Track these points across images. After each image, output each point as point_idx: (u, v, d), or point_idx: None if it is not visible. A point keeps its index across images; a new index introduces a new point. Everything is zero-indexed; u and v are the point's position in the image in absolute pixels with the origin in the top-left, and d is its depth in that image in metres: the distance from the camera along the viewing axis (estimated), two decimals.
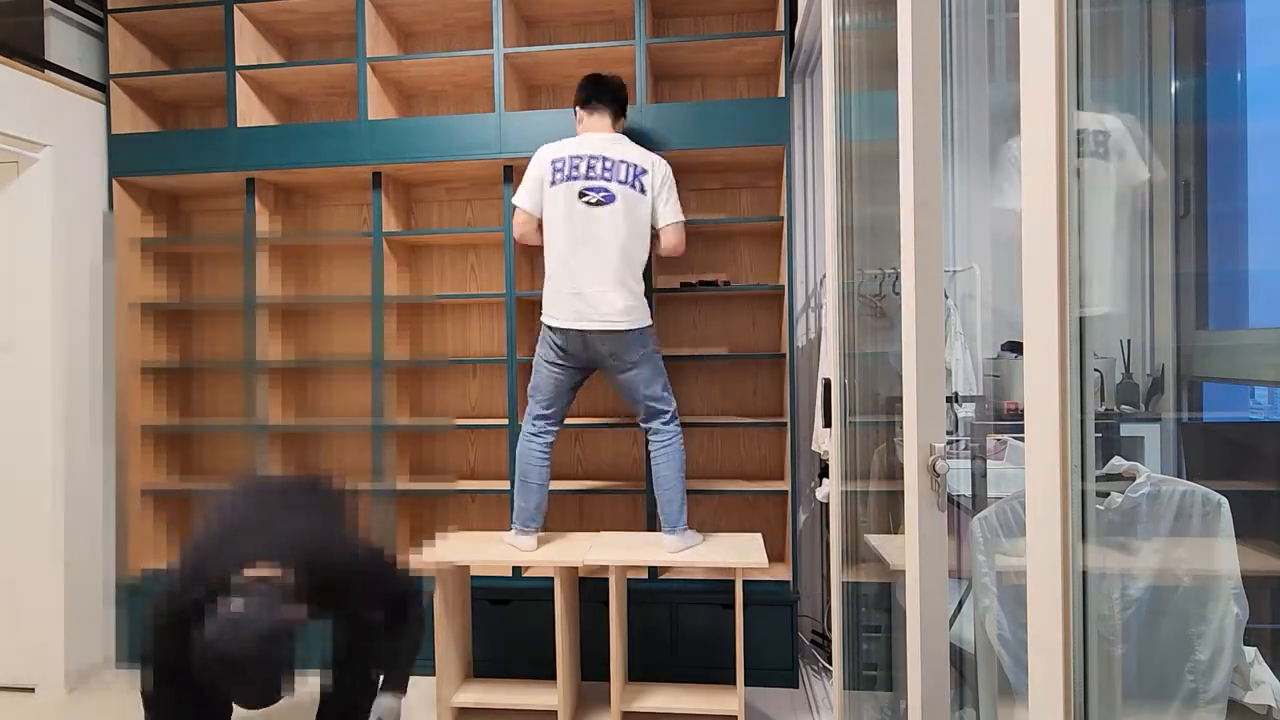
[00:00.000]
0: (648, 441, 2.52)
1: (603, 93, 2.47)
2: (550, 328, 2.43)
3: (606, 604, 2.78)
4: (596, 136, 2.44)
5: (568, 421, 2.93)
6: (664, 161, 2.49)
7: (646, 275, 2.56)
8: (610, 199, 2.36)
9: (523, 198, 2.44)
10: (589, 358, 2.45)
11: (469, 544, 2.58)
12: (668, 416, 2.49)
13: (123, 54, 3.07)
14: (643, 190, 2.40)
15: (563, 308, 2.39)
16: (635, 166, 2.40)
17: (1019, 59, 0.79)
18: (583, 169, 2.37)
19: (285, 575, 1.65)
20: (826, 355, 2.53)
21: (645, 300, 2.46)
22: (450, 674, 2.47)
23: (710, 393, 3.13)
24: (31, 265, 2.77)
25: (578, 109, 2.51)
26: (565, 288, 2.38)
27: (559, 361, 2.46)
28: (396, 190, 3.10)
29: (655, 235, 2.49)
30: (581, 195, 2.36)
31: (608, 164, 2.38)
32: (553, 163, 2.40)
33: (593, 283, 2.36)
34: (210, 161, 2.97)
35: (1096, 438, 0.81)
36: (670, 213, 2.45)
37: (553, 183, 2.38)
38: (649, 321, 2.46)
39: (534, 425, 2.52)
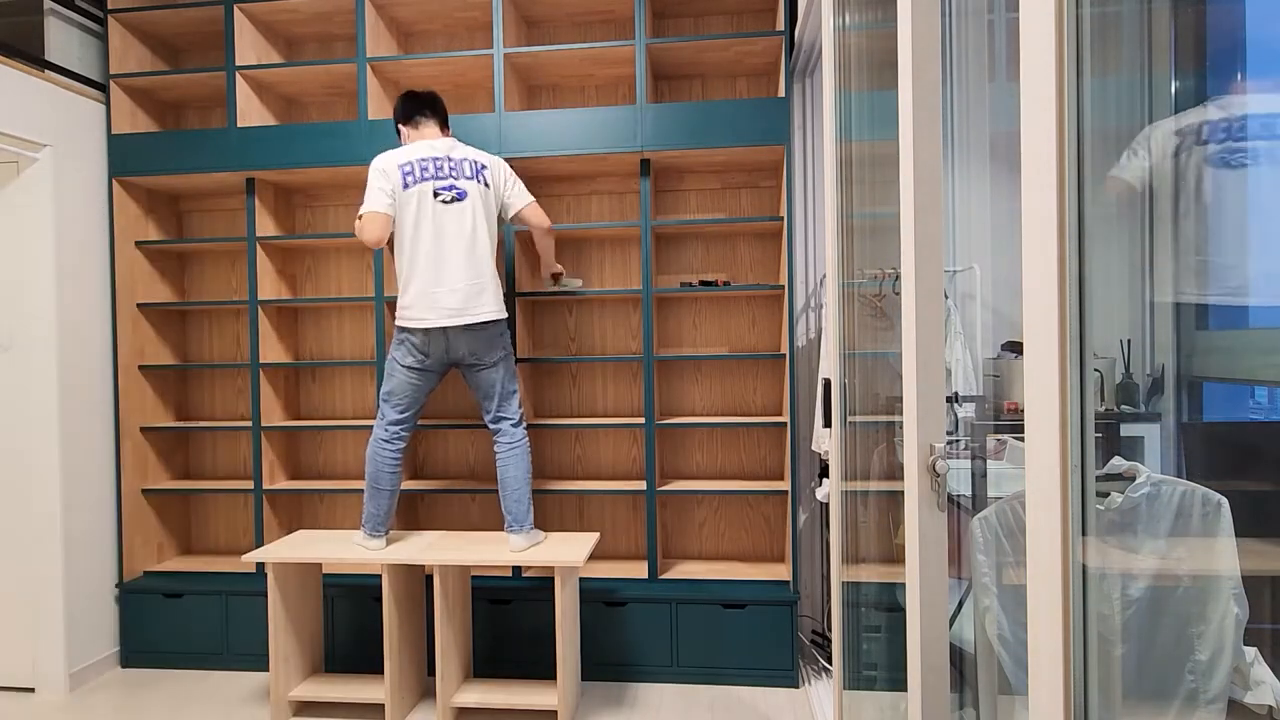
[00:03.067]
0: (495, 443, 2.55)
1: (424, 106, 2.53)
2: (410, 330, 2.42)
3: (601, 604, 2.79)
4: (434, 142, 2.48)
5: (568, 421, 2.94)
6: (500, 158, 2.60)
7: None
8: (463, 195, 2.43)
9: (378, 202, 2.39)
10: (450, 359, 2.48)
11: (319, 542, 2.61)
12: (517, 419, 2.56)
13: (123, 54, 3.07)
14: (487, 185, 2.49)
15: (426, 307, 2.40)
16: (476, 163, 2.49)
17: (1019, 59, 0.79)
18: (432, 170, 2.42)
19: None
20: (826, 355, 2.53)
21: (502, 294, 2.53)
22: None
23: (710, 393, 3.13)
24: (31, 265, 2.77)
25: (401, 126, 2.55)
26: (429, 287, 2.39)
27: (418, 365, 2.46)
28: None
29: (506, 233, 2.60)
30: (436, 195, 2.41)
31: (453, 163, 2.45)
32: (400, 167, 2.41)
33: (458, 280, 2.40)
34: (210, 161, 2.97)
35: (1096, 438, 0.81)
36: (522, 196, 2.58)
37: (405, 186, 2.40)
38: (506, 315, 2.54)
39: (388, 431, 2.50)
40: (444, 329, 2.41)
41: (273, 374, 3.09)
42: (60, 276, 2.80)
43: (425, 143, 2.47)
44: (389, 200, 2.40)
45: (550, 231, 2.67)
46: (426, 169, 2.42)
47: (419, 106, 2.54)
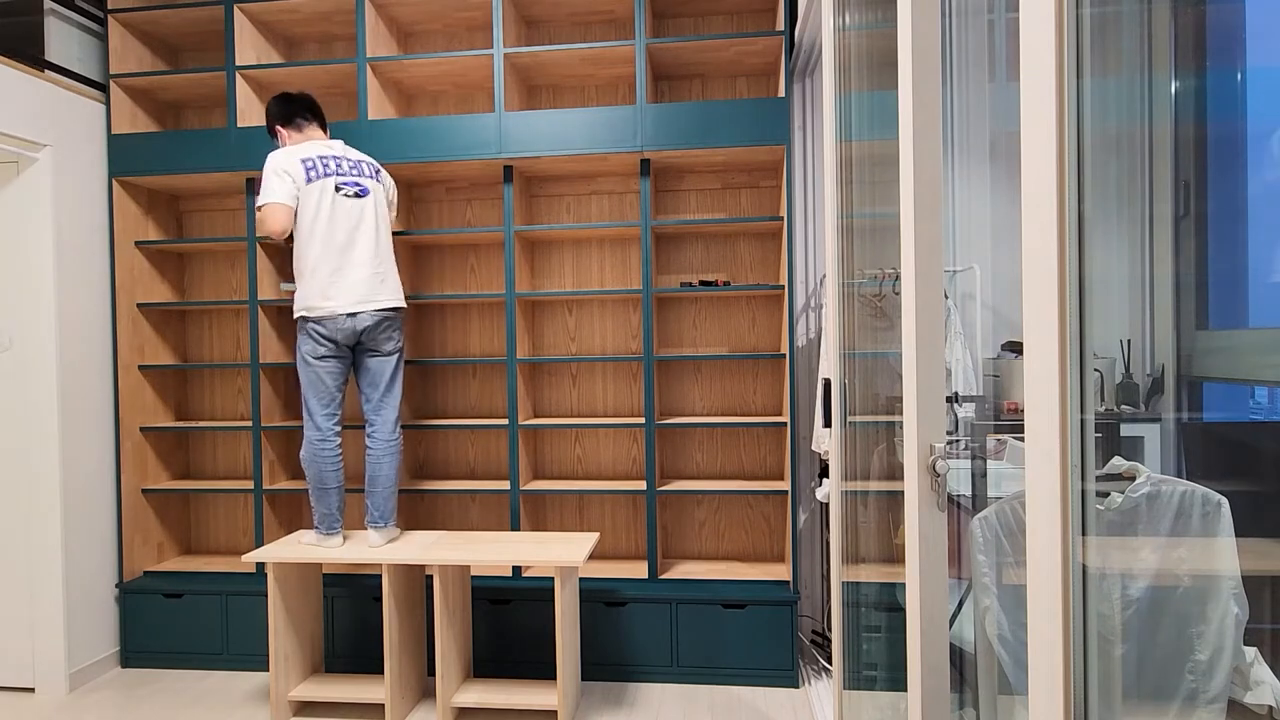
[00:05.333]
0: (369, 438, 2.57)
1: (304, 109, 2.61)
2: (317, 319, 2.46)
3: (607, 604, 2.79)
4: (327, 142, 2.57)
5: (568, 421, 2.94)
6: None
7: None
8: (365, 192, 2.53)
9: (280, 193, 2.43)
10: (352, 342, 2.52)
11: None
12: (396, 416, 2.60)
13: (123, 54, 3.07)
14: (381, 182, 2.62)
15: (334, 293, 2.45)
16: (372, 165, 2.62)
17: (1019, 59, 0.79)
18: (333, 167, 2.50)
19: None
20: (826, 355, 2.53)
21: (400, 288, 2.61)
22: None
23: (710, 393, 3.13)
24: (31, 265, 2.77)
25: (281, 128, 2.59)
26: (336, 276, 2.46)
27: (329, 354, 2.50)
28: (396, 190, 3.09)
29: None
30: (338, 189, 2.48)
31: (351, 163, 2.55)
32: (303, 162, 2.46)
33: (364, 268, 2.48)
34: (210, 161, 2.97)
35: (1096, 438, 0.81)
36: (393, 206, 2.72)
37: (308, 180, 2.46)
38: (404, 306, 2.61)
39: (321, 430, 2.52)
40: (351, 314, 2.46)
41: (273, 374, 3.08)
42: (60, 276, 2.80)
43: (318, 142, 2.55)
44: (292, 192, 2.44)
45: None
46: (328, 165, 2.49)
47: (299, 109, 2.60)
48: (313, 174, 2.46)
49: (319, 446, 2.52)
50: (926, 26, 1.25)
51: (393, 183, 2.72)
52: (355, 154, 2.59)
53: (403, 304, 2.59)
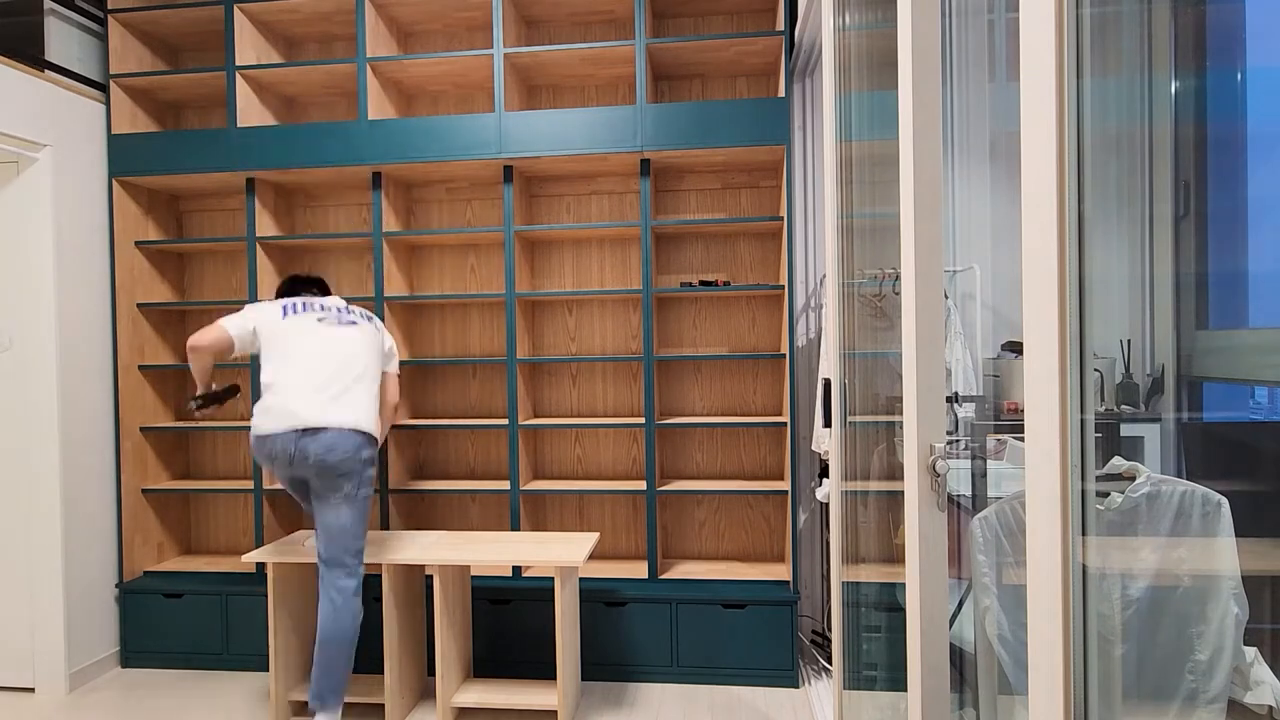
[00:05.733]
0: (320, 592, 2.28)
1: (310, 285, 2.56)
2: (271, 436, 2.21)
3: (607, 604, 2.79)
4: (322, 299, 2.47)
5: (568, 421, 2.94)
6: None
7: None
8: (353, 323, 2.41)
9: (234, 325, 2.32)
10: (307, 467, 2.23)
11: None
12: (358, 569, 2.32)
13: (123, 54, 3.07)
14: (378, 329, 2.49)
15: (296, 413, 2.22)
16: (366, 313, 2.49)
17: (1019, 59, 0.79)
18: (317, 307, 2.40)
19: None
20: (826, 355, 2.53)
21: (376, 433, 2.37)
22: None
23: (710, 393, 3.13)
24: (31, 265, 2.77)
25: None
26: (303, 396, 2.24)
27: (295, 475, 2.27)
28: (396, 190, 3.10)
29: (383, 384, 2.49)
30: (321, 319, 2.37)
31: (340, 308, 2.44)
32: (282, 305, 2.37)
33: (337, 385, 2.28)
34: (210, 161, 2.97)
35: (1096, 438, 0.81)
36: (393, 362, 2.55)
37: (284, 315, 2.35)
38: (375, 442, 2.36)
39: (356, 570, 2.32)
40: (307, 431, 2.22)
41: None
42: (60, 276, 2.80)
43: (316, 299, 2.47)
44: (248, 329, 2.32)
45: (394, 410, 2.58)
46: (311, 306, 2.40)
47: (305, 285, 2.56)
48: (289, 311, 2.36)
49: (358, 598, 2.32)
50: (926, 26, 1.25)
51: (389, 338, 2.54)
52: (352, 308, 2.47)
53: (369, 433, 2.33)
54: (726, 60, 2.96)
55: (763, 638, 2.73)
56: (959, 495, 1.86)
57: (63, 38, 2.91)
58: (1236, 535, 1.22)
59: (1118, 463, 1.36)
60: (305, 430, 2.22)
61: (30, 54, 2.76)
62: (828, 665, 2.85)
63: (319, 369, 2.29)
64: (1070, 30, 0.75)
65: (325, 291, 2.60)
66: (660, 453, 3.01)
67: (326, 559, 2.28)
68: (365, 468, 2.31)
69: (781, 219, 2.82)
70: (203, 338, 2.29)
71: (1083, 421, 0.76)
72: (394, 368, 2.56)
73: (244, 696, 2.74)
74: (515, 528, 2.89)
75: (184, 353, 3.36)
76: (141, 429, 3.09)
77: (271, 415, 2.24)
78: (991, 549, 1.65)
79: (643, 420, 2.86)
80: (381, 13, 3.01)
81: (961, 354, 2.42)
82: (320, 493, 2.28)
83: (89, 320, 2.94)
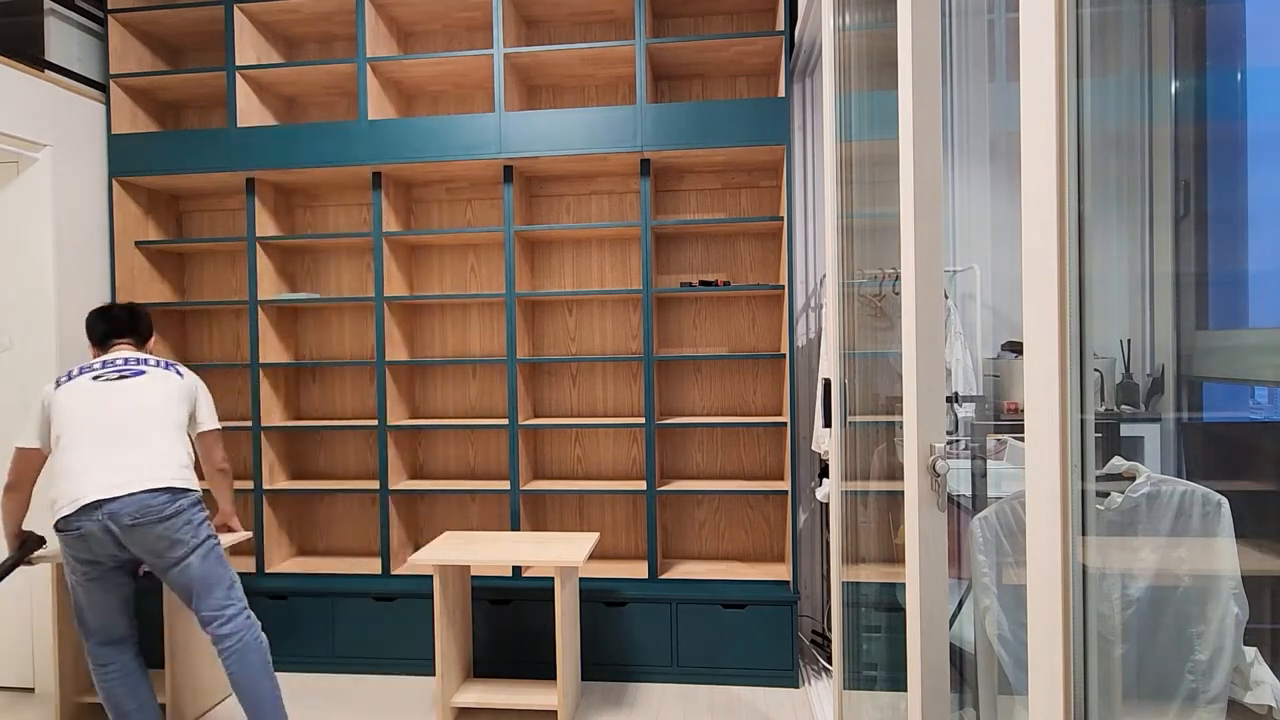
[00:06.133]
0: (218, 649, 2.08)
1: (130, 321, 2.30)
2: (68, 519, 1.96)
3: (607, 604, 2.79)
4: (120, 354, 2.25)
5: (568, 421, 2.94)
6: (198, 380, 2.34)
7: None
8: (139, 373, 2.16)
9: (27, 434, 2.15)
10: (122, 546, 2.00)
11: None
12: (242, 606, 2.13)
13: (123, 54, 3.07)
14: (180, 374, 2.25)
15: (84, 485, 1.97)
16: (165, 361, 2.27)
17: (1019, 59, 0.79)
18: (96, 366, 2.17)
19: None
20: (826, 355, 2.53)
21: (194, 475, 2.16)
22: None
23: (710, 393, 3.13)
24: (31, 265, 2.77)
25: (93, 348, 2.28)
26: (90, 465, 1.99)
27: (91, 560, 2.02)
28: (396, 190, 3.10)
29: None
30: (97, 378, 2.13)
31: (129, 360, 2.21)
32: (56, 379, 2.16)
33: (130, 446, 2.04)
34: (210, 161, 2.97)
35: (1096, 438, 0.81)
36: (210, 418, 2.32)
37: (56, 388, 2.12)
38: (197, 493, 2.14)
39: (93, 657, 2.12)
40: (118, 498, 1.96)
41: (273, 374, 3.09)
42: (60, 276, 2.80)
43: (110, 353, 2.24)
44: (43, 422, 2.12)
45: (224, 474, 2.38)
46: (87, 369, 2.16)
47: (114, 330, 2.27)
48: (62, 380, 2.14)
49: (97, 677, 2.13)
50: (926, 26, 1.25)
51: (202, 390, 2.34)
52: (146, 355, 2.26)
53: (196, 493, 2.15)
54: (726, 60, 2.96)
55: (763, 638, 2.73)
56: (959, 495, 1.86)
57: (63, 38, 2.91)
58: (1236, 535, 1.21)
59: (1118, 463, 1.36)
60: (101, 502, 1.96)
61: (30, 54, 2.76)
62: (828, 665, 2.85)
63: (101, 430, 2.03)
64: (1070, 30, 0.75)
65: (130, 329, 2.30)
66: (660, 453, 3.01)
67: (206, 616, 2.07)
68: (190, 524, 2.06)
69: (781, 219, 2.82)
70: (11, 475, 2.10)
71: (1083, 421, 0.76)
72: (211, 424, 2.31)
73: None
74: (515, 528, 2.89)
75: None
76: None
77: (62, 501, 1.97)
78: (991, 549, 1.65)
79: (643, 420, 2.86)
80: (381, 13, 3.01)
81: (961, 354, 2.42)
82: (160, 569, 2.06)
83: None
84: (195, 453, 2.30)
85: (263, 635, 2.14)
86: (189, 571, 2.06)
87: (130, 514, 1.97)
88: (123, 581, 2.13)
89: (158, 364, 2.24)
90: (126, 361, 2.20)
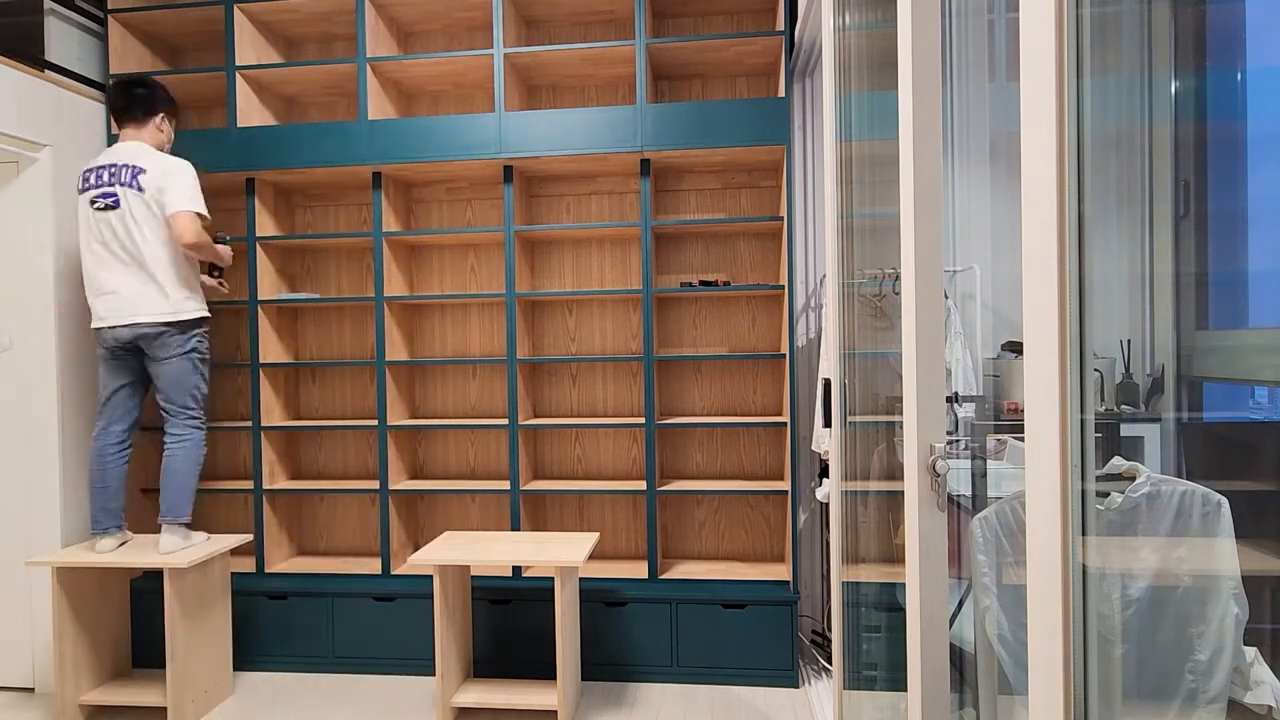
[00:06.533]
0: (164, 434, 2.58)
1: (124, 99, 2.56)
2: (94, 329, 2.54)
3: (607, 604, 2.79)
4: (121, 145, 2.54)
5: (568, 421, 2.94)
6: (176, 161, 2.52)
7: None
8: (116, 203, 2.46)
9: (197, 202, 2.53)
10: (128, 350, 2.53)
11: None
12: (187, 416, 2.58)
13: (123, 54, 3.07)
14: (140, 189, 2.47)
15: (96, 308, 2.51)
16: (133, 167, 2.48)
17: (1019, 59, 0.79)
18: (93, 180, 2.49)
19: None
20: (826, 355, 2.53)
21: (185, 295, 2.53)
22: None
23: (710, 393, 3.13)
24: (31, 265, 2.77)
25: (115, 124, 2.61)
26: (92, 289, 2.51)
27: (105, 356, 2.55)
28: (396, 190, 3.10)
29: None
30: (93, 203, 2.47)
31: (114, 169, 2.48)
32: (82, 174, 2.52)
33: (115, 283, 2.47)
34: (210, 161, 2.97)
35: (1096, 438, 0.81)
36: (175, 200, 2.46)
37: (80, 191, 2.52)
38: (187, 317, 2.53)
39: (97, 422, 2.59)
40: (113, 327, 2.48)
41: (273, 374, 3.08)
42: (60, 276, 2.80)
43: (116, 146, 2.54)
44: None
45: (196, 247, 2.51)
46: (89, 179, 2.50)
47: (123, 102, 2.56)
48: (82, 188, 2.51)
49: (94, 440, 2.57)
50: (926, 26, 1.25)
51: (170, 177, 2.47)
52: (129, 154, 2.49)
53: (171, 318, 2.49)
54: (726, 60, 2.96)
55: (763, 638, 2.73)
56: (959, 495, 1.86)
57: (63, 38, 2.91)
58: (1236, 535, 1.21)
59: (1118, 463, 1.36)
60: (115, 327, 2.48)
61: (30, 54, 2.76)
62: (828, 665, 2.85)
63: (107, 277, 2.48)
64: (1070, 30, 0.75)
65: (125, 112, 2.56)
66: (660, 453, 3.01)
67: (163, 407, 2.57)
68: (177, 339, 2.51)
69: (781, 219, 2.82)
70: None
71: (1083, 421, 0.76)
72: (176, 207, 2.45)
73: (245, 694, 2.74)
74: (515, 528, 2.89)
75: None
76: (141, 428, 3.09)
77: (95, 309, 2.52)
78: (991, 549, 1.65)
79: (643, 420, 2.86)
80: (381, 13, 3.01)
81: (961, 354, 2.42)
82: (149, 360, 2.55)
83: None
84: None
85: (202, 444, 2.63)
86: (167, 368, 2.53)
87: (136, 336, 2.49)
88: (131, 369, 2.59)
89: (127, 180, 2.46)
90: (113, 176, 2.47)
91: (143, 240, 2.46)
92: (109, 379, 2.57)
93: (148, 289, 2.47)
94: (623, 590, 2.79)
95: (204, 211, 2.53)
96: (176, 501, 2.54)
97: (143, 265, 2.47)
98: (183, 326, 2.53)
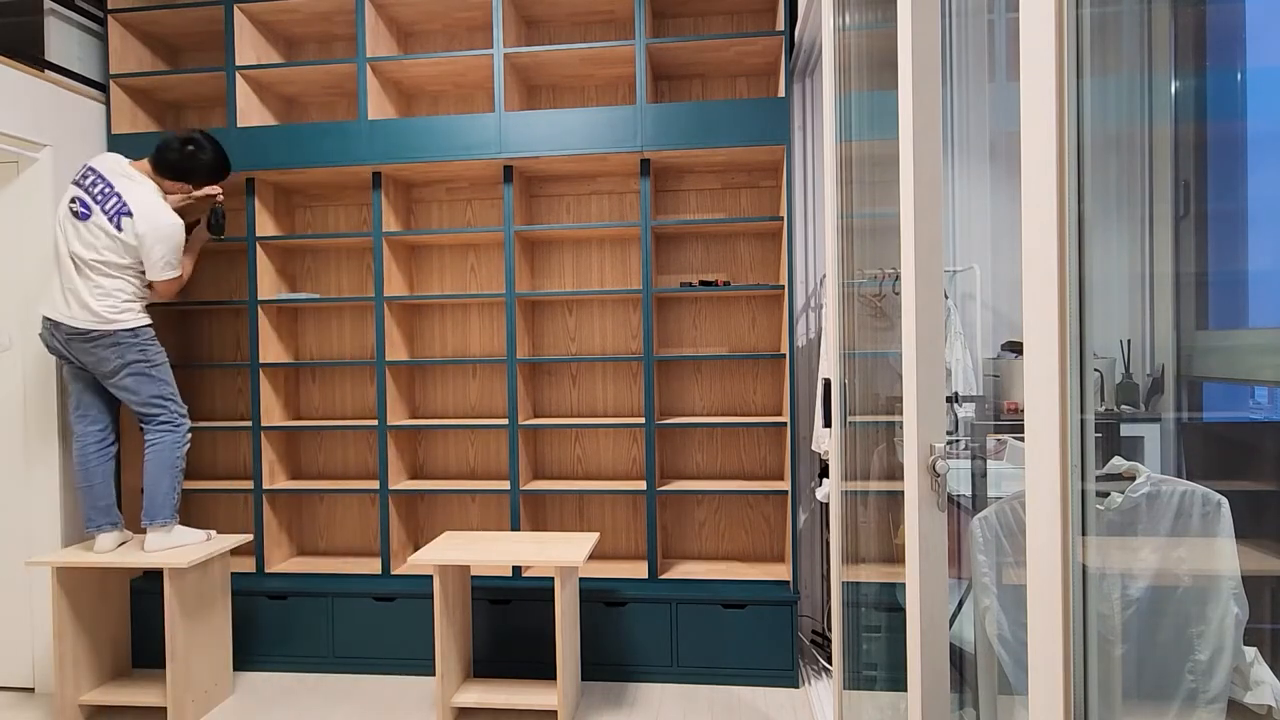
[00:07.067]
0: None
1: (164, 155, 2.59)
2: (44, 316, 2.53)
3: (607, 604, 2.79)
4: (132, 170, 2.55)
5: (568, 421, 2.94)
6: (166, 223, 2.51)
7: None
8: (85, 218, 2.47)
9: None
10: (74, 356, 2.50)
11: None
12: (158, 422, 2.59)
13: (123, 54, 3.07)
14: (119, 228, 2.47)
15: (49, 296, 2.51)
16: (124, 203, 2.48)
17: (1019, 59, 0.79)
18: (85, 183, 2.51)
19: None
20: (826, 355, 2.53)
21: (117, 311, 2.48)
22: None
23: (710, 393, 3.13)
24: (32, 265, 2.77)
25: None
26: (53, 281, 2.51)
27: (57, 359, 2.58)
28: (396, 190, 3.10)
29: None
30: (71, 202, 2.49)
31: (107, 190, 2.49)
32: (84, 166, 2.55)
33: (66, 284, 2.47)
34: None
35: (1096, 438, 0.81)
36: (159, 270, 2.53)
37: (73, 183, 2.53)
38: (124, 326, 2.49)
39: (74, 426, 2.60)
40: (57, 323, 2.47)
41: (273, 374, 3.08)
42: None
43: (123, 168, 2.54)
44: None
45: (169, 283, 2.59)
46: (87, 177, 2.51)
47: (161, 157, 2.59)
48: (74, 179, 2.53)
49: (75, 439, 2.59)
50: (926, 26, 1.25)
51: (155, 243, 2.50)
52: (128, 186, 2.50)
53: (114, 326, 2.47)
54: (726, 60, 2.96)
55: (763, 638, 2.73)
56: (959, 495, 1.86)
57: (63, 38, 2.91)
58: (1236, 535, 1.21)
59: (1118, 463, 1.36)
60: (63, 325, 2.46)
61: (30, 54, 2.76)
62: (828, 665, 2.85)
63: (67, 272, 2.48)
64: (1070, 30, 0.75)
65: (172, 172, 2.59)
66: (660, 453, 3.01)
67: (140, 419, 2.60)
68: (119, 348, 2.49)
69: (781, 219, 2.82)
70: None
71: (1083, 421, 0.76)
72: (157, 275, 2.53)
73: (246, 693, 2.74)
74: (515, 528, 2.89)
75: (184, 352, 3.36)
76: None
77: (48, 295, 2.52)
78: (991, 549, 1.65)
79: (643, 420, 2.86)
80: (381, 13, 3.01)
81: (961, 354, 2.42)
82: (102, 378, 2.54)
83: None
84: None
85: (181, 439, 2.63)
86: (123, 386, 2.53)
87: (78, 342, 2.47)
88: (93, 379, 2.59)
89: (110, 209, 2.47)
90: (103, 195, 2.48)
91: (95, 258, 2.46)
92: (71, 380, 2.58)
93: (82, 296, 2.46)
94: (623, 590, 2.79)
95: (184, 271, 2.63)
96: (154, 503, 2.56)
97: (87, 276, 2.47)
98: (117, 337, 2.50)
